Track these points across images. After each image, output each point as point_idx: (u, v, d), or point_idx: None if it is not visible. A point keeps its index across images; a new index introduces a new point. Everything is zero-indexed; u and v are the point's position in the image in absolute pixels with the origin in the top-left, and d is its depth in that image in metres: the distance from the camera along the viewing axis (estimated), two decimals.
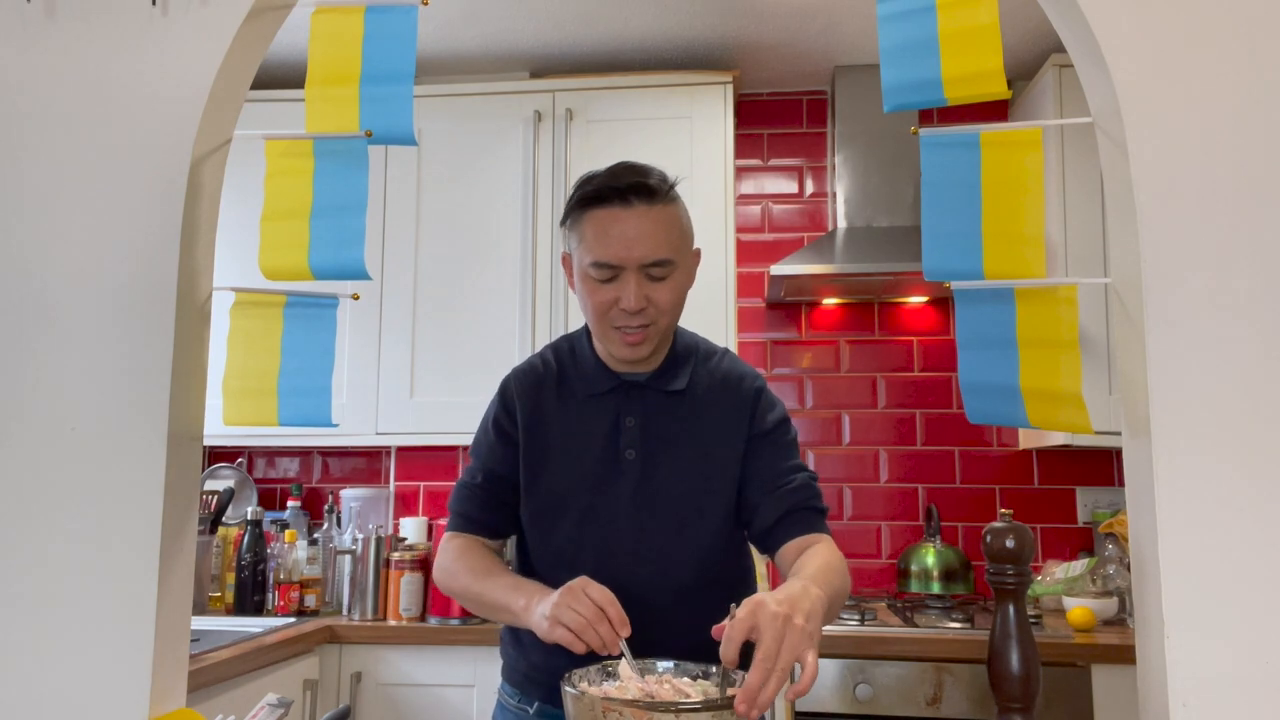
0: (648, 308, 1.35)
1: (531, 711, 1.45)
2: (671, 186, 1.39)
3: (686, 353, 1.47)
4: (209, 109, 1.10)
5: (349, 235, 1.07)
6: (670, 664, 1.18)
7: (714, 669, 1.14)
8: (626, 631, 1.16)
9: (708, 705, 0.99)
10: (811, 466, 3.00)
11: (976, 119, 2.81)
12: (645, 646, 1.19)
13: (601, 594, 1.18)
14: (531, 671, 1.45)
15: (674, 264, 1.36)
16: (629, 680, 1.13)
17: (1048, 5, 1.09)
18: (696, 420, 1.43)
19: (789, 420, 1.47)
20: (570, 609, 1.17)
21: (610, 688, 1.12)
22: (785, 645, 1.00)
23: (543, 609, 1.21)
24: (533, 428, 1.45)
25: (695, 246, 1.44)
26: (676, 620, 1.27)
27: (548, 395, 1.46)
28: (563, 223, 1.43)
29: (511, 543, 1.55)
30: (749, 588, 1.51)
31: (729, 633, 1.02)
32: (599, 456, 1.41)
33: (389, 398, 2.80)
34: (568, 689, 1.04)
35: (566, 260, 1.44)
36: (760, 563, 1.84)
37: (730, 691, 1.02)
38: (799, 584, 1.11)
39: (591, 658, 1.17)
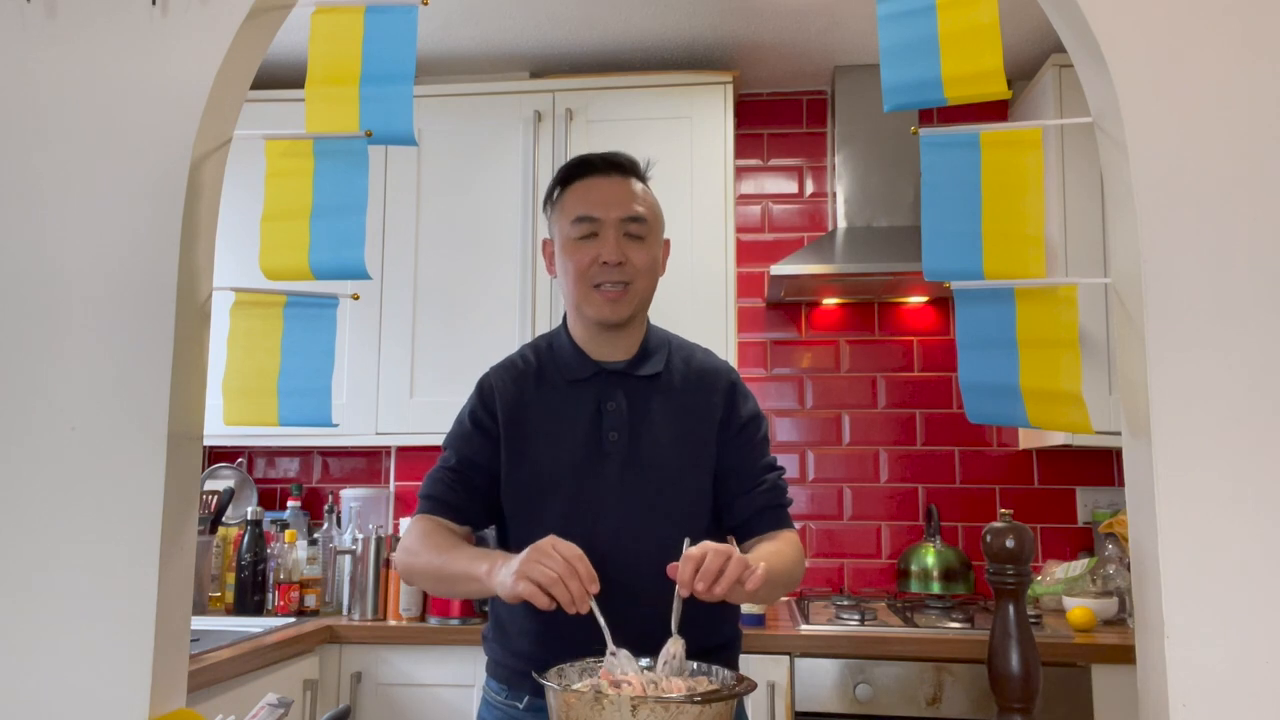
0: (626, 264, 1.42)
1: (521, 706, 1.44)
2: (645, 170, 1.51)
3: (659, 344, 1.54)
4: (209, 109, 1.10)
5: (349, 235, 1.08)
6: (645, 660, 1.17)
7: (696, 665, 1.18)
8: (595, 588, 1.16)
9: (706, 697, 1.00)
10: (811, 466, 3.03)
11: (976, 119, 2.81)
12: (633, 625, 1.17)
13: (570, 550, 1.18)
14: (518, 664, 1.44)
15: (649, 226, 1.45)
16: (624, 673, 1.12)
17: (1048, 5, 1.09)
18: (674, 404, 1.48)
19: (762, 415, 1.55)
20: (538, 564, 1.16)
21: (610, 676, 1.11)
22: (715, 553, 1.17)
23: (509, 568, 1.21)
24: (514, 418, 1.47)
25: (665, 237, 1.53)
26: (662, 599, 1.27)
27: (528, 386, 1.50)
28: (544, 205, 1.52)
29: (495, 540, 1.55)
30: None
31: (685, 554, 1.17)
32: (583, 440, 1.45)
33: (389, 398, 2.80)
34: (550, 685, 1.05)
35: (548, 246, 1.51)
36: None
37: (697, 691, 1.06)
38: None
39: (570, 648, 1.17)
